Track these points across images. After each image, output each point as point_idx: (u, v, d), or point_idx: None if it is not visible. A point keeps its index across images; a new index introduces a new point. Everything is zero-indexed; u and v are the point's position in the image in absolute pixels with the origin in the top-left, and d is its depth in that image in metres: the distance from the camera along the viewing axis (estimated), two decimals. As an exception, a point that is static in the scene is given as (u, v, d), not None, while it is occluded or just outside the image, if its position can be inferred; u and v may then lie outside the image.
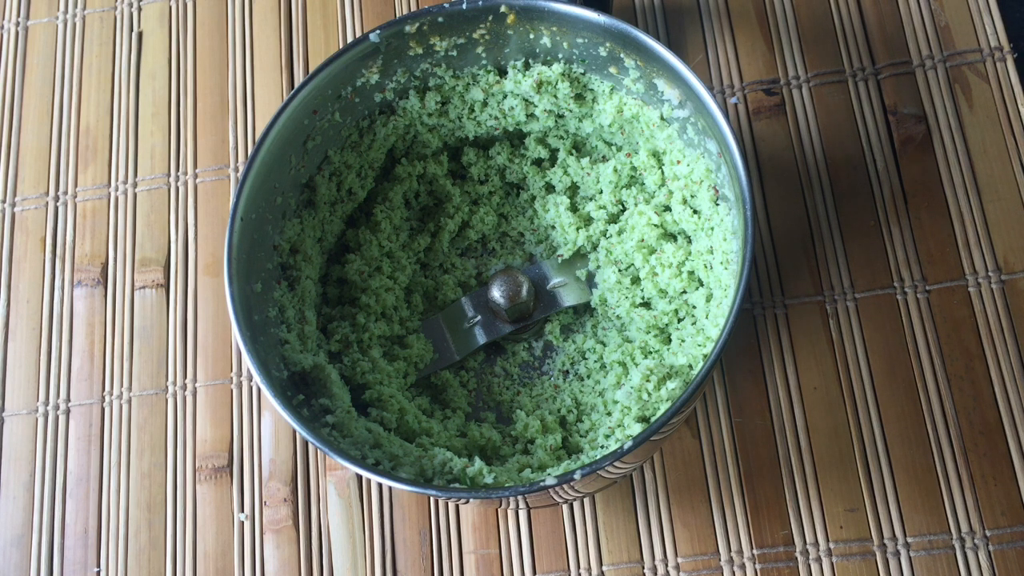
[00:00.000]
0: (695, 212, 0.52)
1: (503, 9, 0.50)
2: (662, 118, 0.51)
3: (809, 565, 0.52)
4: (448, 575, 0.54)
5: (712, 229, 0.51)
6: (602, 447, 0.49)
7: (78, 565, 0.56)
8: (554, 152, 0.57)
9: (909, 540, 0.51)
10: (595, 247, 0.56)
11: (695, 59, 0.62)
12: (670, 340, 0.53)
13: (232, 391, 0.58)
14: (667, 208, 0.54)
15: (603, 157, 0.56)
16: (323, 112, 0.51)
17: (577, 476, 0.41)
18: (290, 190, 0.51)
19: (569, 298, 0.55)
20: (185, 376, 0.59)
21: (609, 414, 0.51)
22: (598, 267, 0.56)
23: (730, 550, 0.52)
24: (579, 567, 0.53)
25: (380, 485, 0.55)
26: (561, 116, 0.55)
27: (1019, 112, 0.58)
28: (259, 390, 0.58)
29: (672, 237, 0.54)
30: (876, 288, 0.56)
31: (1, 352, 0.60)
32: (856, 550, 0.52)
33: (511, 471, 0.48)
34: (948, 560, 0.51)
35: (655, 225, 0.53)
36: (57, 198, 0.64)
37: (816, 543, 0.52)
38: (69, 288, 0.61)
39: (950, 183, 0.57)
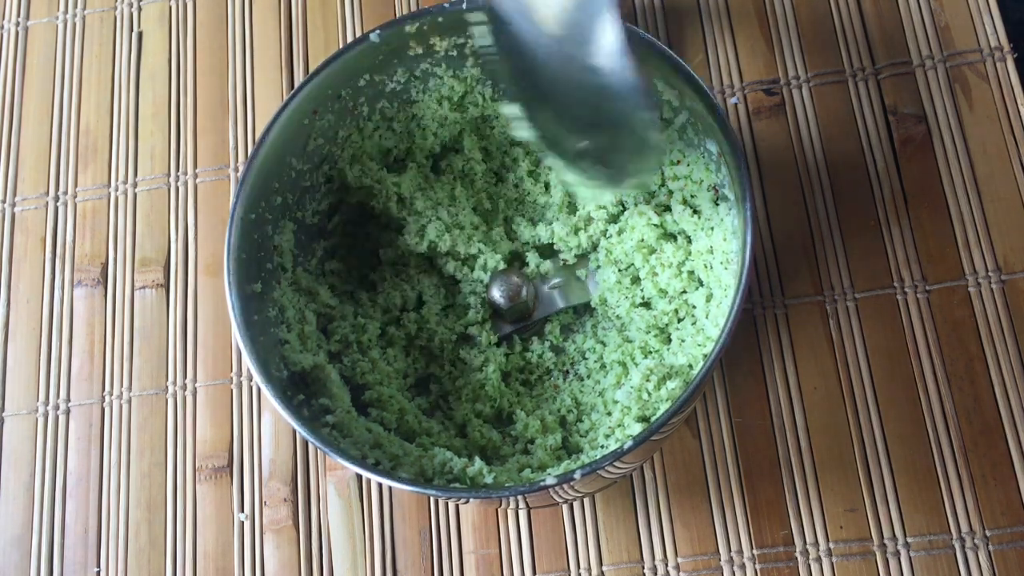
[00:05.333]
0: (695, 212, 0.52)
1: (503, 9, 0.50)
2: (662, 118, 0.51)
3: (809, 565, 0.52)
4: (448, 575, 0.54)
5: (712, 229, 0.51)
6: (602, 447, 0.49)
7: (78, 565, 0.56)
8: None
9: (909, 540, 0.51)
10: (595, 247, 0.56)
11: (695, 59, 0.62)
12: (670, 340, 0.53)
13: (232, 391, 0.58)
14: (667, 208, 0.54)
15: None
16: (323, 112, 0.51)
17: (577, 476, 0.41)
18: (290, 190, 0.51)
19: (569, 298, 0.55)
20: (185, 376, 0.59)
21: (609, 414, 0.51)
22: (598, 267, 0.56)
23: (730, 550, 0.52)
24: (579, 567, 0.53)
25: (380, 485, 0.55)
26: None
27: (1019, 112, 0.58)
28: (259, 390, 0.58)
29: (672, 237, 0.54)
30: (876, 288, 0.56)
31: (1, 352, 0.60)
32: (856, 550, 0.52)
33: (511, 471, 0.48)
34: (948, 560, 0.51)
35: (655, 225, 0.53)
36: (57, 198, 0.64)
37: (816, 543, 0.52)
38: (69, 288, 0.61)
39: (950, 183, 0.57)
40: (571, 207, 0.56)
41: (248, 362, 0.45)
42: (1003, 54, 0.59)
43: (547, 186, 0.57)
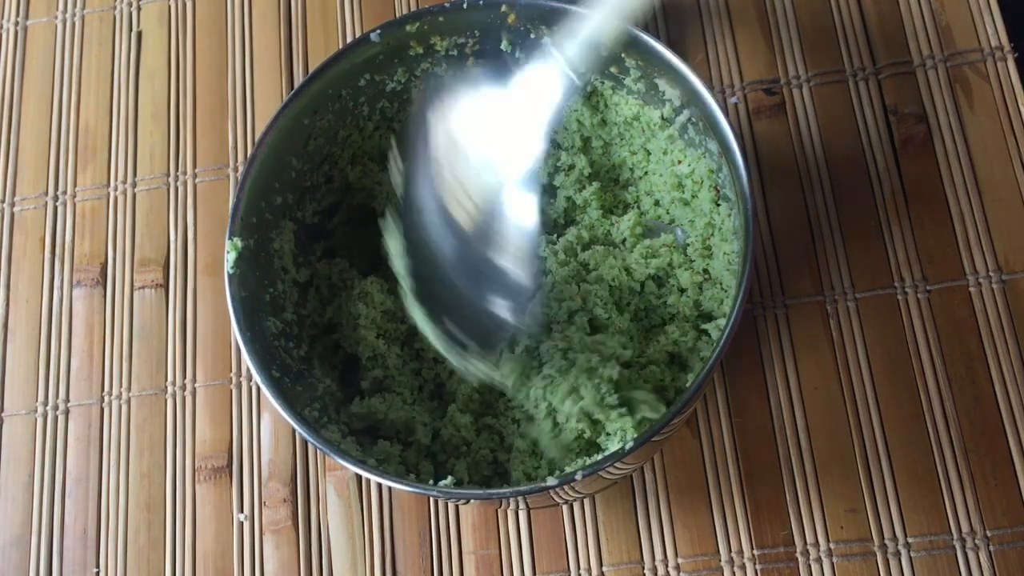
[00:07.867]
0: (686, 204, 0.53)
1: (503, 8, 0.50)
2: (663, 118, 0.51)
3: (809, 565, 0.52)
4: None
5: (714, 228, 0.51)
6: (603, 448, 0.49)
7: (78, 565, 0.56)
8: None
9: (909, 540, 0.51)
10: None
11: (695, 59, 0.61)
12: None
13: (232, 391, 0.58)
14: (657, 202, 0.54)
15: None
16: (323, 112, 0.51)
17: (578, 477, 0.41)
18: (290, 190, 0.51)
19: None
20: (185, 376, 0.58)
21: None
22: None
23: (730, 550, 0.52)
24: (579, 567, 0.53)
25: (380, 485, 0.55)
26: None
27: (1019, 112, 0.58)
28: (259, 390, 0.58)
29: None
30: (876, 288, 0.56)
31: (1, 352, 0.60)
32: (856, 550, 0.52)
33: (511, 471, 0.48)
34: (948, 560, 0.51)
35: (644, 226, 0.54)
36: (56, 198, 0.64)
37: (816, 543, 0.52)
38: (69, 288, 0.61)
39: (950, 183, 0.57)
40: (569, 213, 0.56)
41: (248, 362, 0.45)
42: (1004, 54, 0.59)
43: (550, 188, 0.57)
